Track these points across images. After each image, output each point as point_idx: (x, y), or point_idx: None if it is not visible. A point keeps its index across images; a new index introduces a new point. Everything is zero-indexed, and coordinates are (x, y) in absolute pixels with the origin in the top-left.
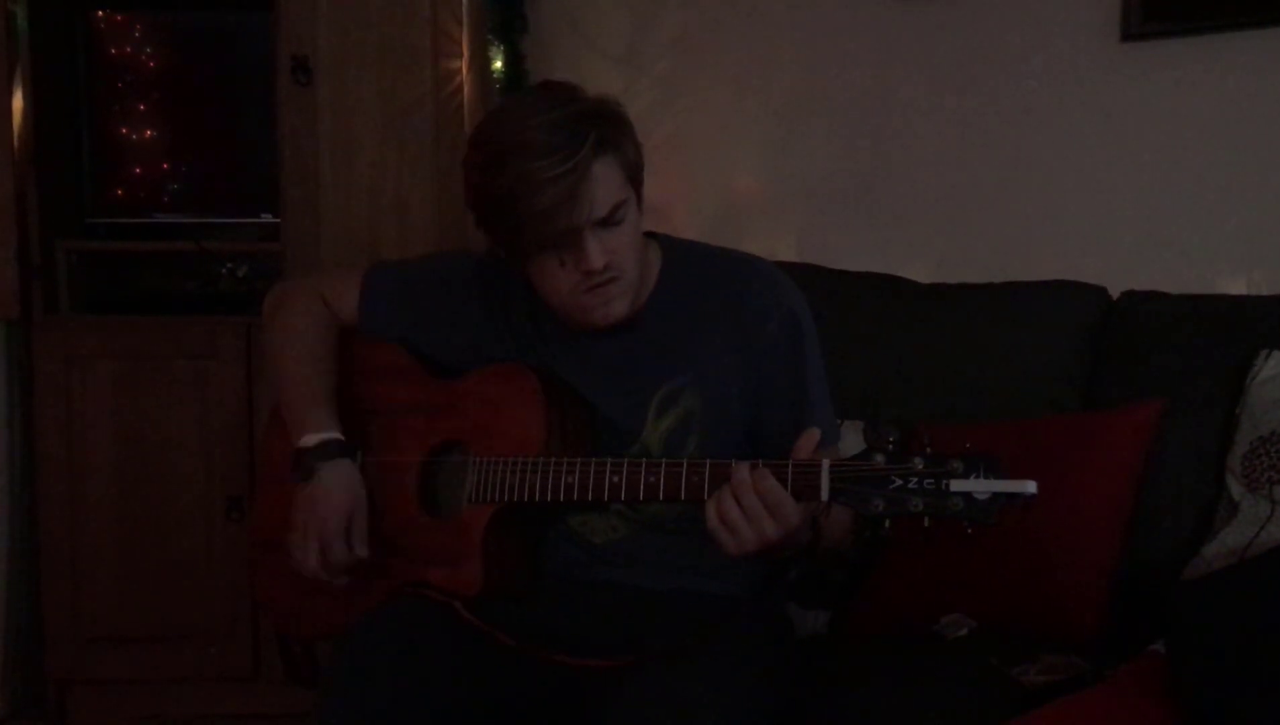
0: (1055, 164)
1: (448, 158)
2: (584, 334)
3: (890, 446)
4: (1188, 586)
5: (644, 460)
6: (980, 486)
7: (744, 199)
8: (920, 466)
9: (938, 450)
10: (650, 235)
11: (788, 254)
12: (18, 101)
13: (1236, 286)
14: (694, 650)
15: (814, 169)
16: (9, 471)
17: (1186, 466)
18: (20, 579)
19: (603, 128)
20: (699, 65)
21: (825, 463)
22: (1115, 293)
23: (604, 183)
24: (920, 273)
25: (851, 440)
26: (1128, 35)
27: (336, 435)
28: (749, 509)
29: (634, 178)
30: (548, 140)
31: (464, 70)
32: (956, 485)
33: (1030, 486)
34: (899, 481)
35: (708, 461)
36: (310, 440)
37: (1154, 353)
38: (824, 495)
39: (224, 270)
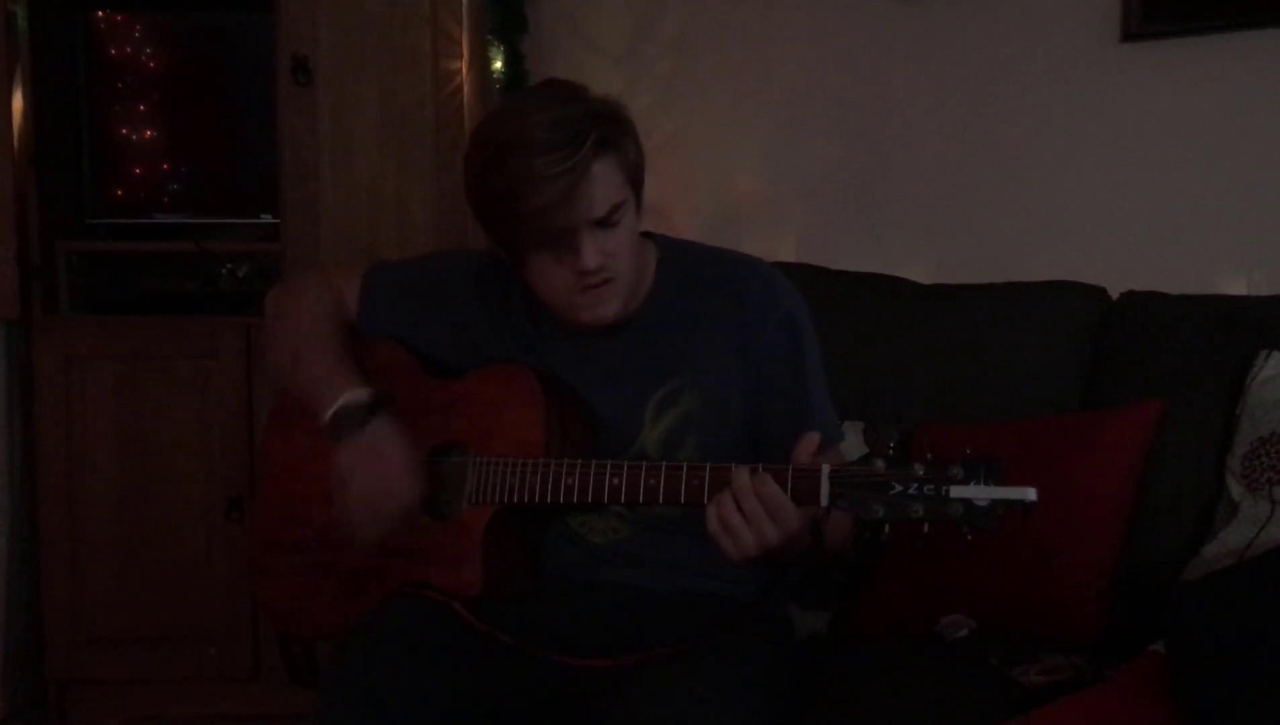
0: (1055, 164)
1: (447, 158)
2: (582, 334)
3: (891, 451)
4: (1188, 586)
5: (644, 463)
6: (980, 493)
7: (744, 199)
8: (921, 472)
9: (939, 455)
10: (647, 235)
11: (788, 254)
12: (18, 101)
13: (1236, 286)
14: (694, 650)
15: (814, 169)
16: (9, 471)
17: (1186, 467)
18: (20, 579)
19: (604, 128)
20: (699, 65)
21: (825, 468)
22: (1115, 293)
23: (603, 183)
24: (920, 273)
25: (851, 441)
26: (1128, 35)
27: (368, 395)
28: (749, 513)
29: (634, 180)
30: (548, 138)
31: (464, 70)
32: (957, 491)
33: (1030, 493)
34: (899, 487)
35: (708, 465)
36: (352, 397)
37: (1154, 353)
38: (824, 500)
39: (224, 270)
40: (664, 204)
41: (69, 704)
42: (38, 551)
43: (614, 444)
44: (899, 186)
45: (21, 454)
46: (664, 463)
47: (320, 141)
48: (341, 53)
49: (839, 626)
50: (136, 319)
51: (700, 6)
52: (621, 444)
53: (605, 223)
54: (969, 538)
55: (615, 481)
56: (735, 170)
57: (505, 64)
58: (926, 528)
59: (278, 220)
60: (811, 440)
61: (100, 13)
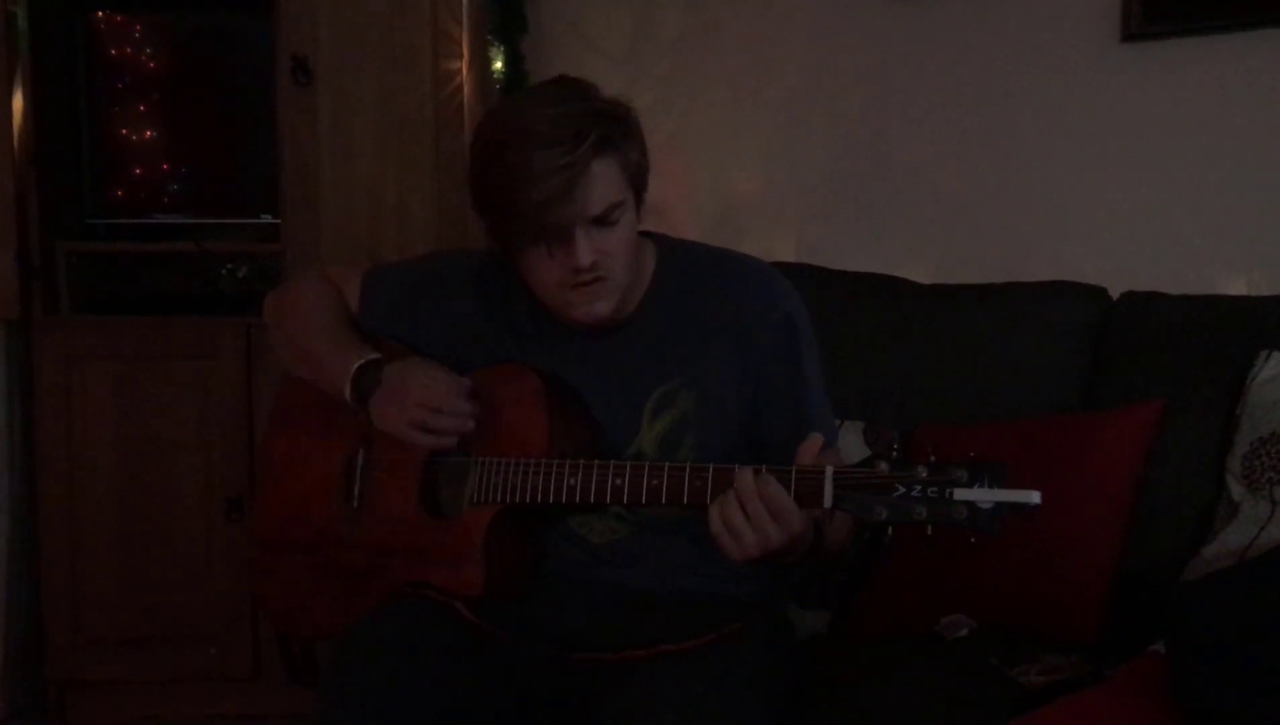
0: (1055, 164)
1: (447, 158)
2: (581, 333)
3: (894, 453)
4: (1188, 587)
5: (647, 463)
6: (984, 496)
7: (744, 199)
8: (924, 474)
9: (942, 458)
10: (646, 235)
11: (788, 254)
12: (18, 102)
13: (1236, 286)
14: (694, 650)
15: (814, 169)
16: (9, 472)
17: (1186, 467)
18: (20, 580)
19: (607, 127)
20: (699, 66)
21: (829, 470)
22: (1115, 293)
23: (601, 181)
24: (920, 273)
25: (851, 441)
26: (1128, 35)
27: (375, 355)
28: (753, 514)
29: (635, 182)
30: (550, 133)
31: (464, 71)
32: (961, 494)
33: (1034, 497)
34: (902, 489)
35: (711, 466)
36: (359, 363)
37: (1154, 353)
38: (827, 502)
39: (224, 271)
40: (664, 204)
41: (69, 704)
42: (38, 551)
43: (612, 443)
44: (899, 186)
45: (21, 454)
46: (667, 463)
47: (320, 141)
48: (341, 53)
49: (839, 626)
50: (136, 319)
51: (700, 6)
52: (619, 444)
53: (601, 221)
54: (972, 541)
55: (618, 482)
56: (735, 170)
57: (505, 64)
58: (929, 530)
59: (278, 220)
60: (815, 441)
61: (100, 13)
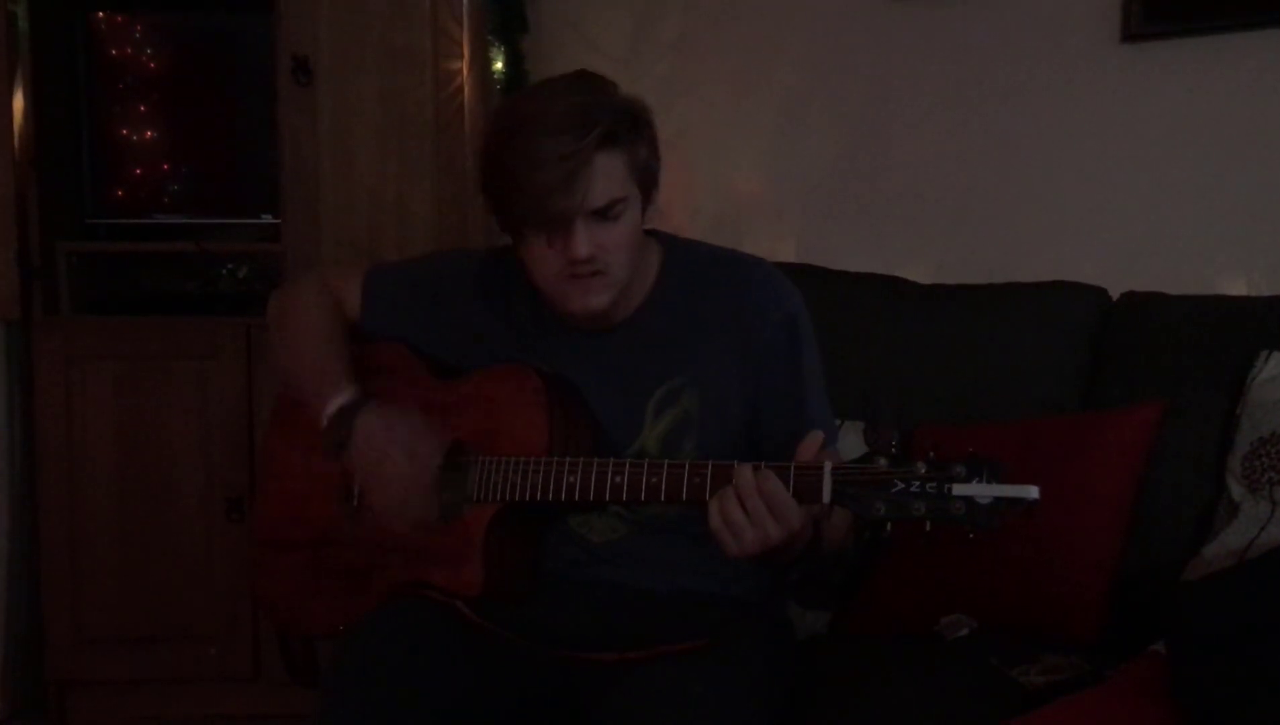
0: (1055, 164)
1: (447, 158)
2: (584, 331)
3: (893, 449)
4: (1188, 587)
5: (646, 461)
6: (982, 491)
7: (744, 199)
8: (923, 470)
9: (941, 454)
10: (651, 233)
11: (788, 254)
12: (18, 102)
13: (1236, 286)
14: (694, 650)
15: (814, 169)
16: (9, 472)
17: (1186, 467)
18: (20, 579)
19: (616, 122)
20: (699, 65)
21: (828, 465)
22: (1115, 293)
23: (604, 175)
24: (920, 273)
25: (851, 441)
26: (1128, 36)
27: (350, 397)
28: (752, 511)
29: (642, 180)
30: (559, 121)
31: (464, 71)
32: (959, 489)
33: (1033, 492)
34: (901, 485)
35: (710, 463)
36: (335, 405)
37: (1154, 353)
38: (826, 498)
39: (224, 271)
40: (664, 204)
41: (69, 704)
42: (38, 551)
43: (615, 442)
44: (899, 186)
45: (21, 454)
46: (666, 461)
47: (320, 141)
48: (341, 53)
49: (839, 626)
50: (137, 319)
51: (700, 6)
52: (621, 443)
53: (602, 215)
54: (971, 536)
55: (617, 480)
56: (735, 170)
57: (506, 64)
58: (928, 526)
59: (278, 220)
60: (815, 439)
61: (100, 13)
